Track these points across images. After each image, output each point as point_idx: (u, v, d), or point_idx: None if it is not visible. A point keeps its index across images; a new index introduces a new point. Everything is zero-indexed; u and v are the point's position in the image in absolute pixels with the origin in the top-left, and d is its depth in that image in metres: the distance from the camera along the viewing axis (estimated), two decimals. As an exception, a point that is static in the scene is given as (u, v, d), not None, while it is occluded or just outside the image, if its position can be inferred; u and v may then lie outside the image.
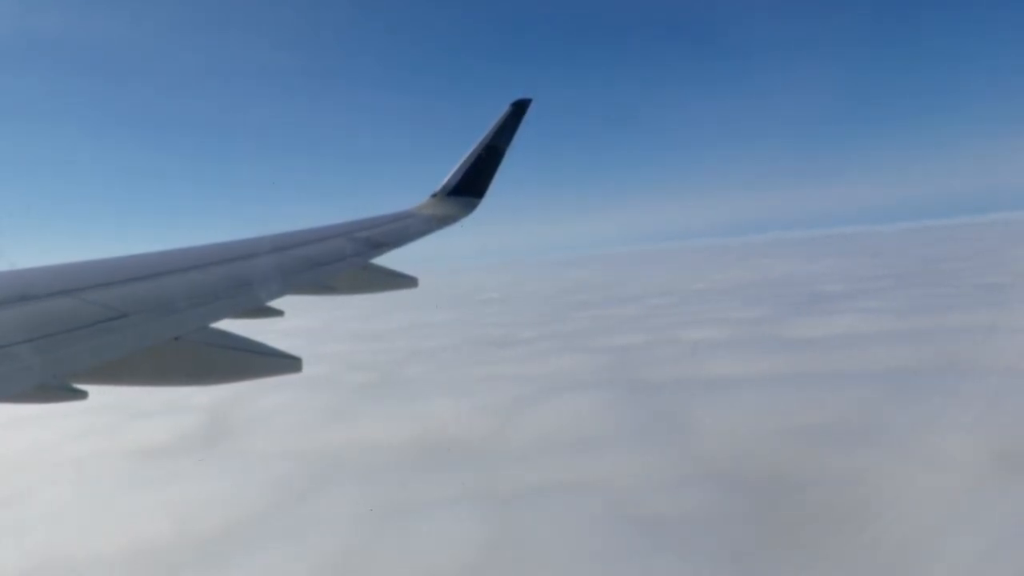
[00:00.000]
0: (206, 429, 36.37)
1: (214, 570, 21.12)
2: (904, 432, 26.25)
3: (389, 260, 6.09)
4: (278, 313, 5.00)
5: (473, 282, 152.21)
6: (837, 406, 29.79)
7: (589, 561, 19.73)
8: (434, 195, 7.97)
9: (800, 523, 20.38)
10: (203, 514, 24.85)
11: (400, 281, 6.12)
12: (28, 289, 3.79)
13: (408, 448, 30.35)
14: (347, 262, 5.71)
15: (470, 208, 7.87)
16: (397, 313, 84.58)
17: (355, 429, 33.98)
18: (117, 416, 37.90)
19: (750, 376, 37.27)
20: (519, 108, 7.95)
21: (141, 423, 37.36)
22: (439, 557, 20.65)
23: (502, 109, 7.94)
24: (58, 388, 3.05)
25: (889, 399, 30.32)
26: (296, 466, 29.38)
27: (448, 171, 8.03)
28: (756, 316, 59.33)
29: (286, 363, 4.33)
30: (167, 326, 3.78)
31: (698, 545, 19.86)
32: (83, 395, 3.23)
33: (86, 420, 37.14)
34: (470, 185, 7.92)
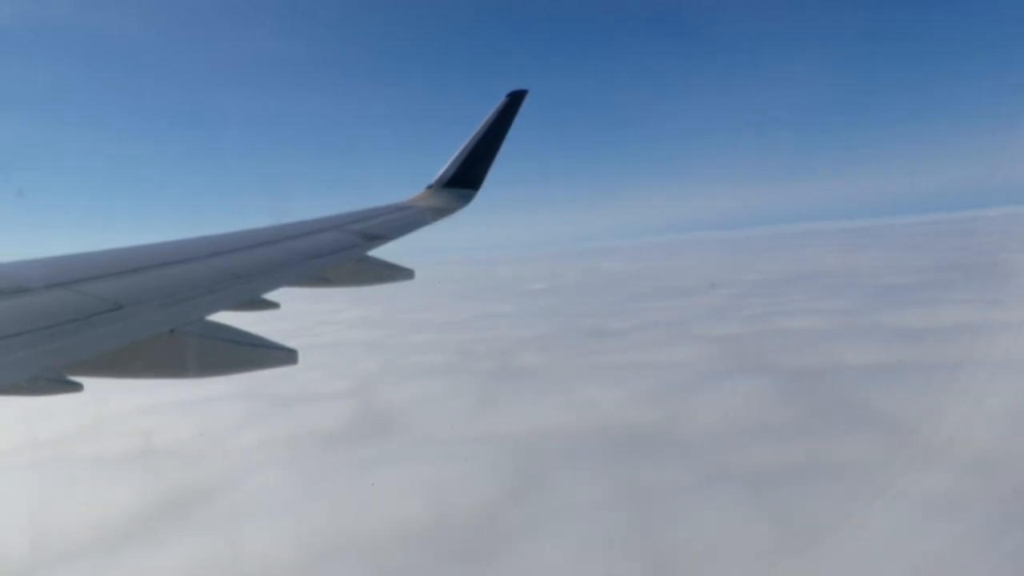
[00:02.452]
0: (366, 417, 35.71)
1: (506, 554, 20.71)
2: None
3: (383, 252, 6.10)
4: (274, 306, 5.01)
5: (500, 274, 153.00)
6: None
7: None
8: (430, 187, 7.96)
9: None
10: (454, 499, 24.31)
11: (397, 273, 6.12)
12: (24, 281, 3.80)
13: (599, 436, 29.65)
14: (343, 254, 5.71)
15: (466, 200, 7.87)
16: (452, 304, 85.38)
17: (530, 417, 33.25)
18: (251, 404, 37.83)
19: (899, 363, 36.46)
20: (515, 99, 7.94)
21: (292, 410, 36.98)
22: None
23: (499, 100, 7.93)
24: (54, 380, 3.06)
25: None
26: (500, 452, 28.58)
27: (444, 163, 8.03)
28: (845, 306, 58.13)
29: (282, 355, 4.34)
30: (163, 318, 3.79)
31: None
32: (79, 387, 3.24)
33: (224, 409, 37.11)
34: (466, 176, 7.91)
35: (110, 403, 36.92)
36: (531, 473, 26.30)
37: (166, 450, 32.49)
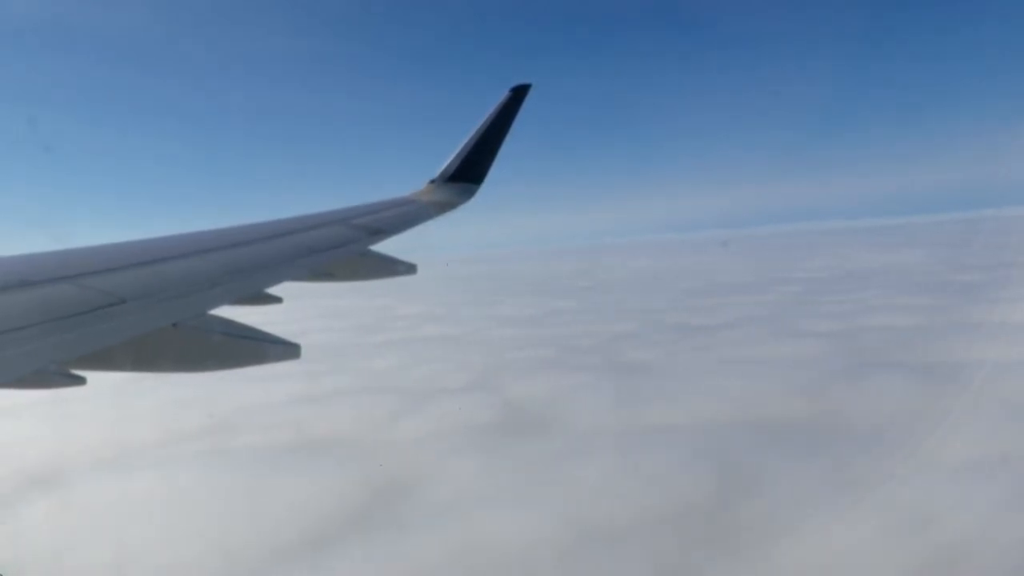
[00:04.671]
0: (515, 410, 35.36)
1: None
2: None
3: (385, 247, 6.11)
4: (276, 300, 5.02)
5: (526, 271, 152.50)
6: None
7: None
8: (432, 181, 7.95)
9: None
10: (681, 488, 24.05)
11: (398, 268, 6.12)
12: (28, 275, 3.81)
13: (777, 428, 29.18)
14: (345, 249, 5.71)
15: (469, 194, 7.86)
16: (509, 300, 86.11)
17: (690, 410, 32.79)
18: (384, 398, 38.03)
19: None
20: (518, 93, 7.92)
21: (434, 404, 36.72)
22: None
23: (502, 95, 7.92)
24: (56, 373, 3.07)
25: None
26: (686, 443, 28.04)
27: (446, 158, 8.02)
28: (926, 304, 57.63)
29: (284, 350, 4.35)
30: (166, 312, 3.80)
31: None
32: (82, 381, 3.26)
33: (359, 403, 37.53)
34: (469, 171, 7.90)
35: (223, 399, 37.02)
36: (738, 463, 25.80)
37: (331, 443, 32.03)
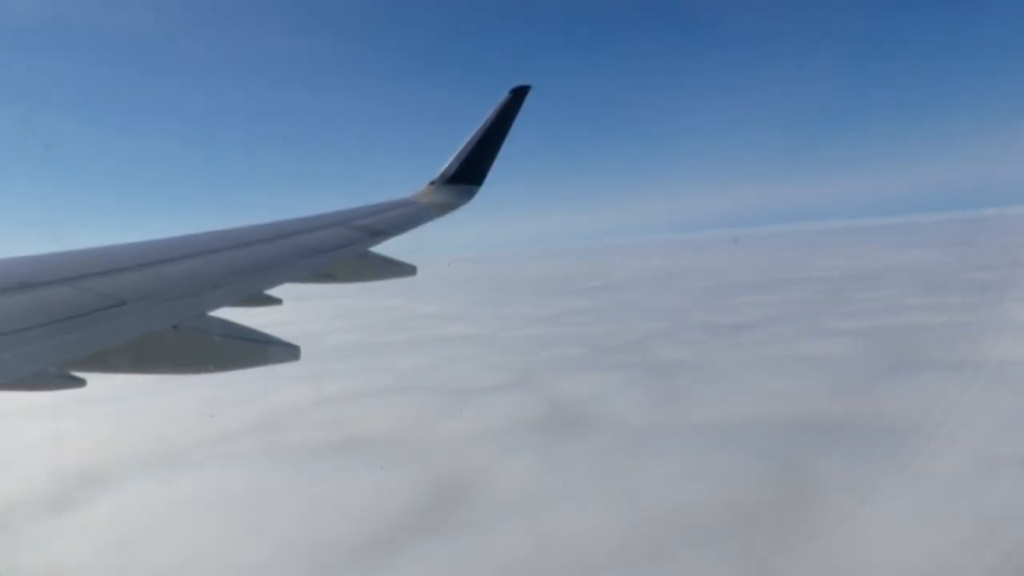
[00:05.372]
0: (559, 408, 35.20)
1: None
2: None
3: (386, 248, 6.11)
4: (277, 301, 5.01)
5: (531, 271, 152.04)
6: None
7: None
8: (432, 183, 7.95)
9: None
10: (760, 484, 23.83)
11: (399, 269, 6.12)
12: (28, 277, 3.81)
13: (831, 427, 28.64)
14: (346, 250, 5.71)
15: (468, 196, 7.86)
16: (524, 300, 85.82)
17: (738, 408, 32.47)
18: (427, 397, 38.11)
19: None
20: (518, 95, 7.92)
21: (477, 402, 36.69)
22: None
23: (501, 97, 7.92)
24: (56, 376, 3.07)
25: None
26: (745, 440, 27.73)
27: (446, 159, 8.02)
28: (951, 302, 56.47)
29: (284, 351, 4.35)
30: (166, 314, 3.80)
31: None
32: (81, 383, 3.25)
33: (403, 401, 37.55)
34: (468, 172, 7.89)
35: (261, 399, 37.25)
36: (804, 461, 25.40)
37: (385, 441, 31.85)
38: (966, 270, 77.99)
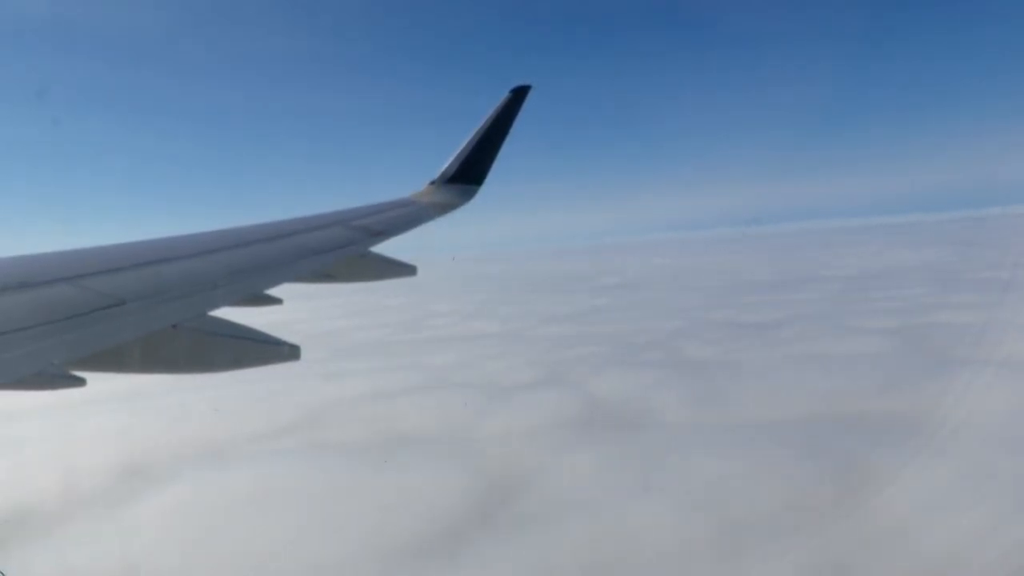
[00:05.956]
0: (606, 404, 35.15)
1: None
2: None
3: (386, 248, 6.10)
4: (277, 301, 5.01)
5: (539, 270, 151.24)
6: None
7: None
8: (433, 183, 7.94)
9: None
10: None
11: (399, 269, 6.11)
12: (27, 276, 3.81)
13: (897, 424, 28.31)
14: (346, 250, 5.71)
15: (469, 195, 7.86)
16: (540, 298, 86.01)
17: (787, 405, 32.33)
18: (466, 392, 38.06)
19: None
20: (518, 94, 7.91)
21: (518, 399, 36.66)
22: None
23: (502, 96, 7.92)
24: (56, 375, 3.07)
25: None
26: (803, 436, 27.64)
27: (446, 159, 8.02)
28: (976, 301, 54.78)
29: (284, 351, 4.34)
30: (165, 314, 3.80)
31: None
32: (81, 382, 3.26)
33: (440, 398, 37.68)
34: (469, 172, 7.88)
35: (297, 395, 37.35)
36: (858, 459, 25.17)
37: (431, 438, 31.78)
38: (981, 269, 76.89)
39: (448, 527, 22.53)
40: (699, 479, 24.83)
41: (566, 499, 24.09)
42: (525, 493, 24.93)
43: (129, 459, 29.35)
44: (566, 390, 38.11)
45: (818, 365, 40.13)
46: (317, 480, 27.33)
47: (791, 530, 20.74)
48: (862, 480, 23.78)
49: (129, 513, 24.68)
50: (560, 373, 42.37)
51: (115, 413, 35.27)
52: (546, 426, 32.11)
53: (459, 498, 24.83)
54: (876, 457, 25.19)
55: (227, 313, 4.18)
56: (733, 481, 24.36)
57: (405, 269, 6.15)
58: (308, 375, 41.43)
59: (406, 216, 6.89)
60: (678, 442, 28.96)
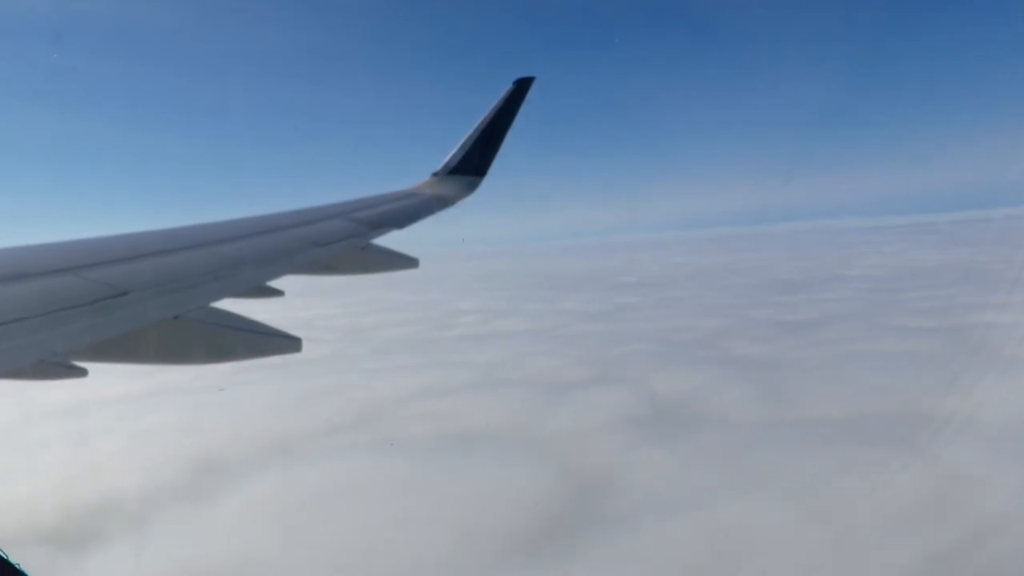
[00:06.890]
0: (670, 402, 35.32)
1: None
2: None
3: (388, 240, 6.09)
4: (278, 293, 5.01)
5: (548, 268, 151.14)
6: None
7: None
8: (435, 174, 7.92)
9: None
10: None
11: (401, 262, 6.09)
12: (29, 266, 3.82)
13: (968, 421, 27.77)
14: (347, 242, 5.70)
15: (472, 187, 7.83)
16: (567, 296, 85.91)
17: (863, 403, 32.50)
18: (523, 391, 38.12)
19: None
20: (522, 86, 7.87)
21: (580, 396, 36.64)
22: None
23: (506, 88, 7.89)
24: (58, 365, 3.08)
25: None
26: (881, 433, 27.77)
27: (449, 151, 7.99)
28: (1016, 301, 53.32)
29: (286, 343, 4.34)
30: (167, 305, 3.81)
31: None
32: (83, 372, 3.26)
33: (498, 396, 37.70)
34: (472, 164, 7.86)
35: (351, 391, 37.66)
36: (941, 457, 25.14)
37: (499, 435, 31.80)
38: (1011, 269, 77.78)
39: (553, 525, 22.62)
40: (798, 475, 24.73)
41: (666, 496, 24.03)
42: (621, 490, 24.97)
43: (207, 455, 29.53)
44: (623, 389, 37.89)
45: (875, 364, 39.81)
46: (416, 475, 27.33)
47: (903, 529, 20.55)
48: (950, 476, 23.64)
49: (221, 509, 25.08)
50: (612, 371, 42.14)
51: (179, 409, 35.40)
52: (618, 423, 31.99)
53: (555, 496, 24.82)
54: (956, 454, 25.00)
55: (229, 305, 4.19)
56: (833, 478, 24.19)
57: (407, 262, 6.13)
58: (354, 371, 41.40)
59: (408, 208, 6.87)
60: (763, 439, 28.85)
